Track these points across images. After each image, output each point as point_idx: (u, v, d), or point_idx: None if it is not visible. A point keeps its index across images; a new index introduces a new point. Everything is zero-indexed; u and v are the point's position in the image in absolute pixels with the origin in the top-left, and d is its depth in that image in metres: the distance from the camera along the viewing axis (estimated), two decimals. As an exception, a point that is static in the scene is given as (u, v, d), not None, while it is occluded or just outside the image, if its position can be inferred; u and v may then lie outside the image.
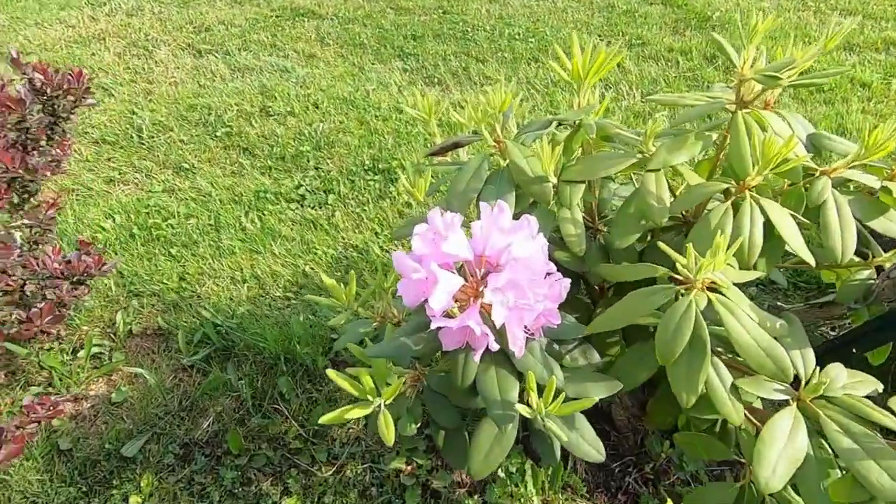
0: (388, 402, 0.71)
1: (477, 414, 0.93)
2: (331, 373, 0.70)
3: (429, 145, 2.20)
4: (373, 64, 2.88)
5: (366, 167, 2.13)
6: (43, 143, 0.99)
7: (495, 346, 0.64)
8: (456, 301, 0.67)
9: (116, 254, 1.76)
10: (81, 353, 1.44)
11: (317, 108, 2.50)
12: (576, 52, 0.81)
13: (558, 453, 0.76)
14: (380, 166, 2.11)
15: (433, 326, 0.63)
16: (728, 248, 0.62)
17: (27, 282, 0.96)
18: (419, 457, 1.20)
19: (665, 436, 1.22)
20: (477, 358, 0.68)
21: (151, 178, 2.13)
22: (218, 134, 2.33)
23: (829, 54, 2.93)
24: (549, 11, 3.43)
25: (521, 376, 0.71)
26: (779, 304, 0.92)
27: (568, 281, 0.67)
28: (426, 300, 0.64)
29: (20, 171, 0.92)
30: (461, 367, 0.72)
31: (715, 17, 3.30)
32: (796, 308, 0.95)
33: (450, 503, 1.15)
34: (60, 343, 1.39)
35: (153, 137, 2.33)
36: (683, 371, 0.65)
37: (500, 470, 1.18)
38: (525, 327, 0.67)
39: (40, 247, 1.01)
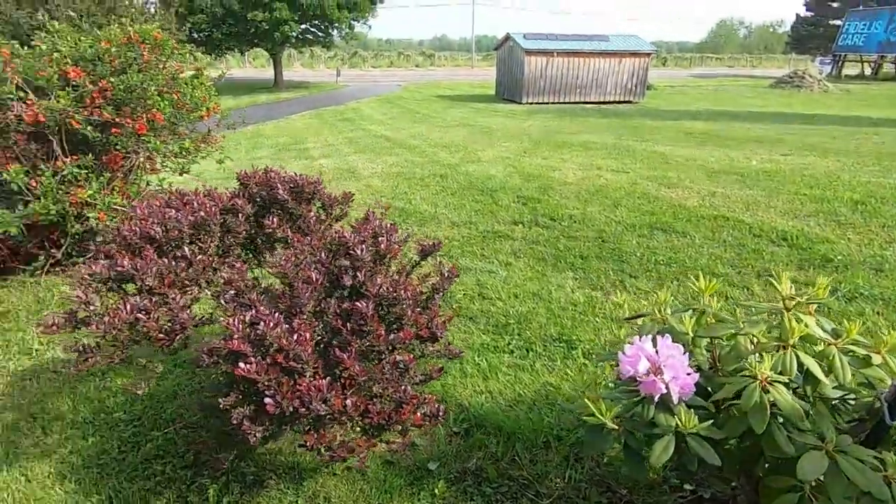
0: (609, 423, 1.59)
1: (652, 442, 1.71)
2: (585, 399, 1.61)
3: (598, 329, 3.18)
4: (552, 272, 4.10)
5: (553, 337, 3.14)
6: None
7: (665, 390, 1.52)
8: (647, 373, 1.57)
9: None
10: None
11: (516, 297, 3.69)
12: (702, 282, 1.80)
13: (696, 464, 1.51)
14: (563, 338, 3.11)
15: (640, 378, 1.53)
16: (771, 367, 1.47)
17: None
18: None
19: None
20: (654, 403, 1.54)
21: (414, 329, 3.36)
22: (450, 308, 3.59)
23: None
24: (687, 245, 4.51)
25: (673, 415, 1.54)
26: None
27: (697, 374, 1.54)
28: (633, 372, 1.56)
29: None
30: (646, 412, 1.57)
31: (837, 259, 4.05)
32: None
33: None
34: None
35: (413, 305, 3.67)
36: (758, 415, 1.44)
37: None
38: (679, 391, 1.53)
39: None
